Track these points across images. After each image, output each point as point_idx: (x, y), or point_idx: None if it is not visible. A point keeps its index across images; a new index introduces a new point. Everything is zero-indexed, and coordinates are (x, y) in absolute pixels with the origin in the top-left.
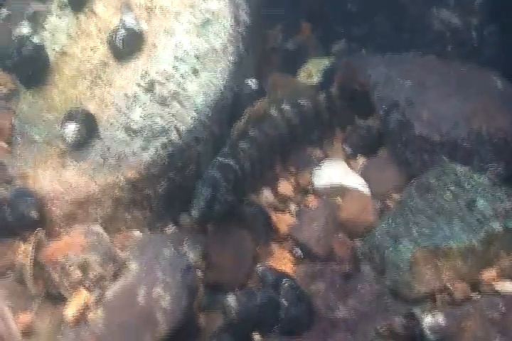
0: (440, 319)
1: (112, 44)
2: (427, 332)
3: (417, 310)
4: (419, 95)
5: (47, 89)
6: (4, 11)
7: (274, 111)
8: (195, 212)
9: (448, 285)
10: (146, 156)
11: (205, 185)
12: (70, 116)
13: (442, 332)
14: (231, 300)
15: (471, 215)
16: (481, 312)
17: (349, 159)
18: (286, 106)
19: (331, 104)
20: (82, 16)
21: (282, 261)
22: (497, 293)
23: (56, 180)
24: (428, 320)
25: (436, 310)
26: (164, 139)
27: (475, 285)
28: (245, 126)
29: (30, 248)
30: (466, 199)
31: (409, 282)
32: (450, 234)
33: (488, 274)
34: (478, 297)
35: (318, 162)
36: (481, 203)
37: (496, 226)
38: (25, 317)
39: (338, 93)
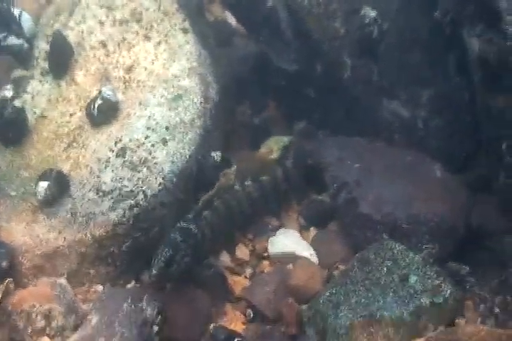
0: None
1: (89, 111)
2: None
3: None
4: (366, 178)
5: (25, 148)
6: None
7: (237, 186)
8: (154, 271)
9: None
10: (114, 216)
11: (166, 246)
12: (43, 175)
13: None
14: None
15: (403, 289)
16: None
17: (302, 230)
18: (248, 182)
19: (287, 178)
20: (62, 83)
21: (235, 320)
22: None
23: (27, 234)
24: None
25: None
26: (131, 201)
27: None
28: (211, 197)
29: None
30: (400, 274)
31: None
32: (384, 305)
33: None
34: None
35: (274, 230)
36: (412, 279)
37: (425, 300)
38: None
39: (293, 168)
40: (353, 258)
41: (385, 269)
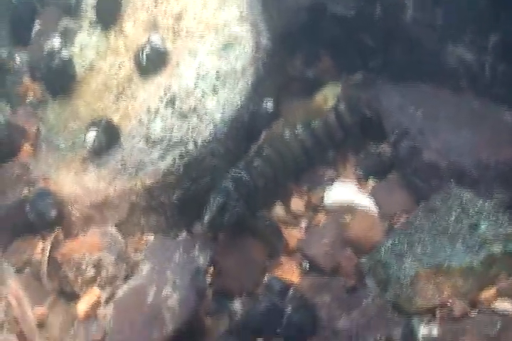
0: (435, 332)
1: (137, 61)
2: None
3: (415, 323)
4: (430, 124)
5: (73, 100)
6: (38, 25)
7: (287, 133)
8: (205, 219)
9: (448, 301)
10: (163, 165)
11: (217, 194)
12: (92, 125)
13: None
14: (237, 304)
15: (472, 238)
16: (478, 328)
17: (360, 181)
18: (299, 129)
19: (341, 124)
20: (111, 34)
21: (290, 272)
22: (494, 312)
23: (77, 183)
24: (424, 332)
25: (434, 323)
26: (181, 150)
27: (474, 303)
28: (260, 145)
29: (48, 246)
30: (469, 222)
31: (411, 297)
32: (452, 254)
33: (488, 293)
34: (477, 314)
35: (330, 182)
36: (483, 227)
37: (496, 249)
38: (40, 310)
39: (347, 111)
40: (417, 207)
41: (452, 217)
